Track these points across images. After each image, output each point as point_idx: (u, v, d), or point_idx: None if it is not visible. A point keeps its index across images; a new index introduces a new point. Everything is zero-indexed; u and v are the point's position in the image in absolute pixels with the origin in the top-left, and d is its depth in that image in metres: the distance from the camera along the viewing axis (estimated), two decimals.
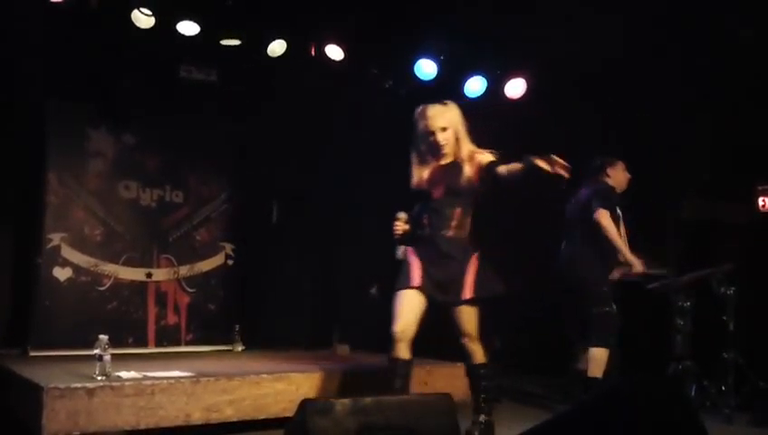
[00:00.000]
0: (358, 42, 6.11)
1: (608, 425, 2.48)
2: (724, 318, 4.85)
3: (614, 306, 4.85)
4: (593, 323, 4.82)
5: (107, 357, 3.99)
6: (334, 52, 6.07)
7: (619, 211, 4.98)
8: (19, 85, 5.61)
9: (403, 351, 3.77)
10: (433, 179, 4.04)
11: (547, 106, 6.18)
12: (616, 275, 5.12)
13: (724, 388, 4.83)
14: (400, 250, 4.12)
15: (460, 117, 4.04)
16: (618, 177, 5.11)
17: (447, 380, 4.84)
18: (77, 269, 5.78)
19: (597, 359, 4.74)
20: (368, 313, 6.76)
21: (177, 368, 4.44)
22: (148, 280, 6.12)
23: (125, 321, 5.94)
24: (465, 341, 3.95)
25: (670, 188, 5.58)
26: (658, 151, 5.67)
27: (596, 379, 4.69)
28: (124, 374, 4.09)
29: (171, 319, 6.21)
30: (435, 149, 4.01)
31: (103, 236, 5.92)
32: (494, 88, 6.38)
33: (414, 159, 4.13)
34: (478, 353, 3.96)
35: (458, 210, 3.97)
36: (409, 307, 3.86)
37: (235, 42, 5.87)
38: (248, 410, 4.16)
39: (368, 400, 2.29)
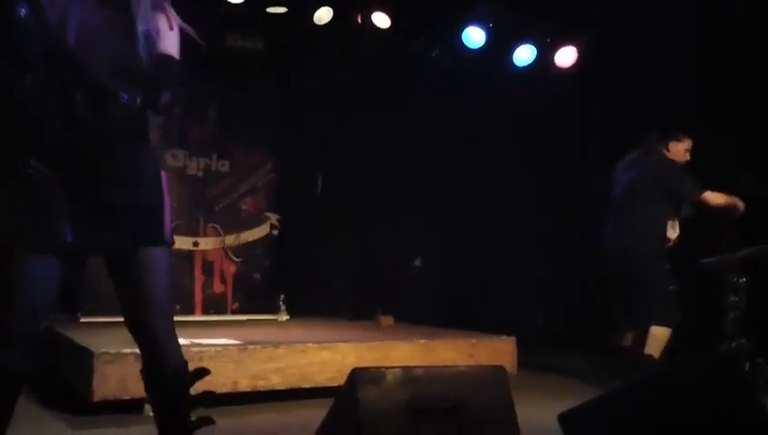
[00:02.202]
0: (404, 9, 6.01)
1: (666, 404, 2.41)
2: None
3: (677, 285, 4.73)
4: (658, 301, 4.69)
5: None
6: (381, 19, 5.98)
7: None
8: None
9: None
10: None
11: (599, 75, 6.03)
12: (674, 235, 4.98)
13: None
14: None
15: None
16: (677, 153, 4.94)
17: (493, 352, 4.79)
18: None
19: (658, 338, 4.62)
20: (411, 284, 6.76)
21: (224, 336, 4.48)
22: (195, 249, 6.17)
23: (172, 289, 6.00)
24: None
25: (725, 163, 5.40)
26: (714, 125, 5.49)
27: (652, 357, 4.58)
28: None
29: (218, 288, 6.27)
30: None
31: None
32: (544, 57, 6.24)
33: None
34: None
35: None
36: None
37: (282, 9, 5.83)
38: (294, 379, 4.17)
39: (419, 370, 2.25)
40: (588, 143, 6.34)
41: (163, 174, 2.32)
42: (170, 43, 2.24)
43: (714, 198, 4.73)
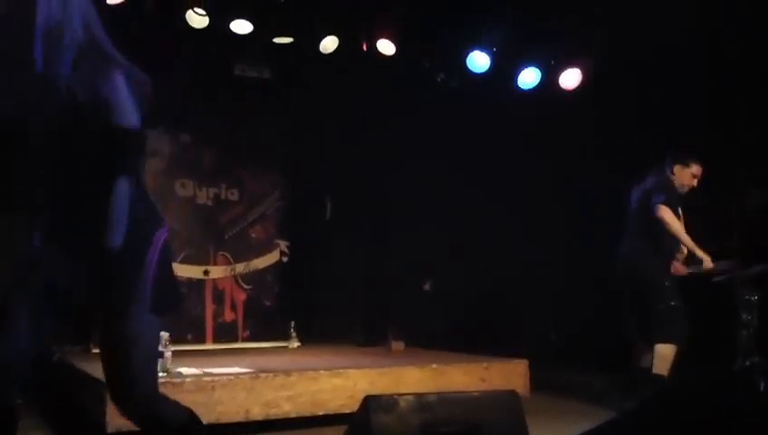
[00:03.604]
0: (409, 36, 6.07)
1: (680, 424, 2.40)
2: None
3: (680, 301, 4.71)
4: (659, 318, 4.68)
5: (168, 353, 4.04)
6: (386, 46, 6.04)
7: (679, 211, 4.83)
8: None
9: None
10: None
11: (603, 97, 6.05)
12: (682, 271, 4.97)
13: None
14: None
15: None
16: (683, 177, 4.94)
17: (505, 376, 4.77)
18: None
19: (664, 355, 4.59)
20: (422, 308, 6.75)
21: (236, 364, 4.48)
22: (206, 277, 6.19)
23: (184, 318, 6.03)
24: None
25: (734, 177, 5.40)
26: (721, 139, 5.49)
27: (661, 376, 4.55)
28: (184, 370, 4.14)
29: (228, 316, 6.28)
30: None
31: None
32: (549, 79, 6.27)
33: None
34: None
35: None
36: None
37: (288, 39, 5.90)
38: (306, 406, 4.17)
39: (432, 396, 2.25)
40: (595, 163, 6.35)
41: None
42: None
43: (666, 215, 4.67)
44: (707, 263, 4.74)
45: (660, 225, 4.70)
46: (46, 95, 1.95)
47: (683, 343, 4.64)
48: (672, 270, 4.95)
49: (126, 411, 2.18)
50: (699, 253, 4.72)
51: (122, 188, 1.98)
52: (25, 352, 2.03)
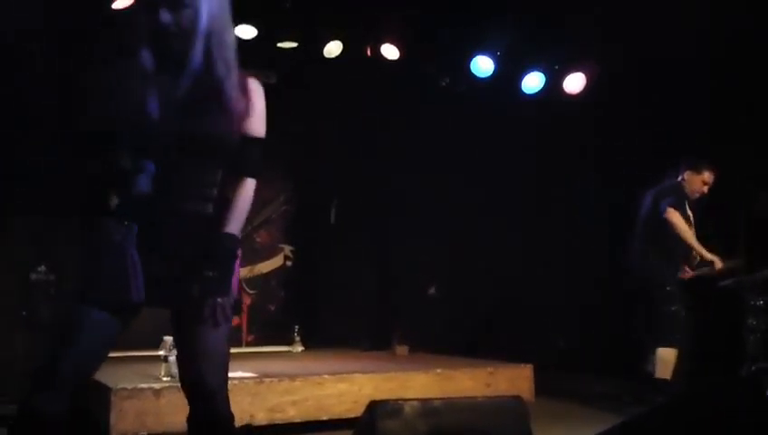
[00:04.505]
0: (413, 40, 6.08)
1: (687, 429, 2.38)
2: None
3: (681, 305, 4.70)
4: (661, 322, 4.68)
5: (172, 358, 4.03)
6: (390, 51, 6.05)
7: (689, 212, 4.83)
8: None
9: None
10: None
11: (608, 101, 6.05)
12: (689, 273, 4.97)
13: None
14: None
15: None
16: (694, 183, 4.94)
17: (511, 381, 4.76)
18: None
19: (664, 359, 4.60)
20: (427, 312, 6.74)
21: (240, 369, 4.47)
22: None
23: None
24: None
25: (742, 183, 5.38)
26: (727, 143, 5.48)
27: (665, 380, 4.55)
28: None
29: (233, 320, 6.28)
30: None
31: None
32: (553, 84, 6.27)
33: None
34: None
35: None
36: None
37: (293, 44, 5.90)
38: (311, 411, 4.16)
39: (437, 402, 2.24)
40: (599, 168, 6.35)
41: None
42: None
43: (675, 218, 4.68)
44: (717, 263, 4.75)
45: (668, 228, 4.70)
46: (207, 100, 2.05)
47: (684, 347, 4.64)
48: (681, 274, 4.96)
49: (207, 414, 2.17)
50: (707, 255, 4.73)
51: (249, 188, 2.16)
52: (88, 373, 2.10)
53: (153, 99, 1.99)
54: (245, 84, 2.14)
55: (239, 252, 2.16)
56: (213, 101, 2.06)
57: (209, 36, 2.05)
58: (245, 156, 2.15)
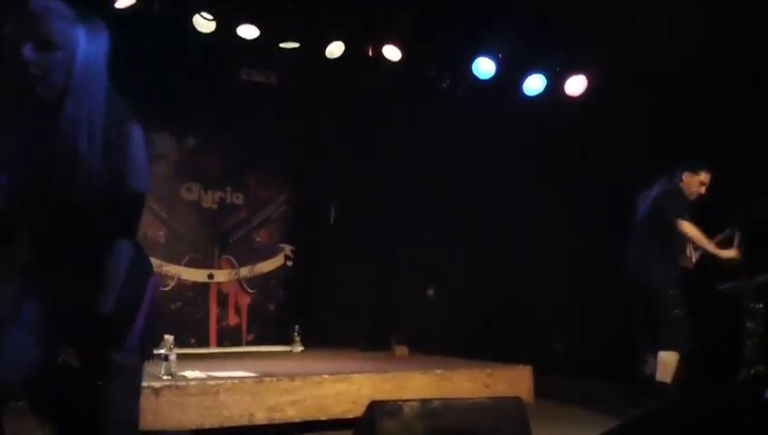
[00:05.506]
0: (415, 42, 6.09)
1: (684, 433, 2.39)
2: None
3: (684, 309, 4.72)
4: (663, 326, 4.69)
5: (172, 357, 4.05)
6: (391, 52, 6.06)
7: (687, 216, 4.85)
8: None
9: None
10: None
11: (609, 104, 6.06)
12: (690, 264, 5.02)
13: None
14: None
15: None
16: (692, 184, 4.95)
17: (509, 382, 4.77)
18: None
19: (666, 363, 4.60)
20: (426, 313, 6.75)
21: (240, 368, 4.49)
22: (210, 281, 6.20)
23: (188, 321, 6.04)
24: None
25: (739, 187, 5.40)
26: (726, 147, 5.49)
27: (665, 384, 4.55)
28: (189, 374, 4.15)
29: (232, 319, 6.29)
30: None
31: (166, 237, 6.03)
32: (554, 86, 6.28)
33: None
34: None
35: None
36: None
37: (294, 44, 5.92)
38: (310, 411, 4.17)
39: (436, 402, 2.26)
40: (599, 169, 6.36)
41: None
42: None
43: (689, 229, 4.74)
44: (733, 253, 4.80)
45: (674, 233, 4.74)
46: (69, 164, 1.82)
47: (686, 351, 4.65)
48: (683, 262, 4.99)
49: None
50: (725, 253, 4.79)
51: (124, 252, 1.90)
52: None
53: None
54: (123, 134, 1.90)
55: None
56: (71, 155, 1.81)
57: (80, 88, 1.84)
58: (119, 215, 1.89)
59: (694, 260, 5.05)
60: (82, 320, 1.86)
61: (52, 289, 1.88)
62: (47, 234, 1.86)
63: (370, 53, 6.11)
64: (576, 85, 6.19)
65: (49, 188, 1.81)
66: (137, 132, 1.94)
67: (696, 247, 4.98)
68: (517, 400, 2.35)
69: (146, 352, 2.04)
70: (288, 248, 6.59)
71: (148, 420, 3.69)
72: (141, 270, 1.99)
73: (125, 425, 1.99)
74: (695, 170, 4.91)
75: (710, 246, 4.84)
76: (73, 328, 1.86)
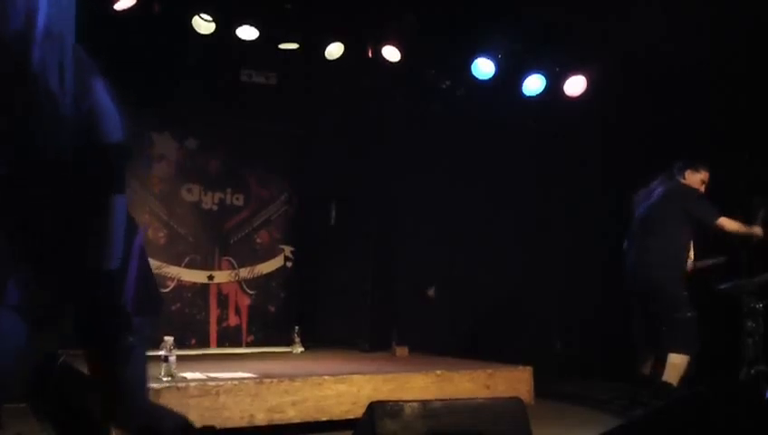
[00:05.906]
0: (414, 42, 6.09)
1: (686, 432, 2.39)
2: None
3: (695, 310, 4.71)
4: (675, 328, 4.67)
5: (172, 358, 4.05)
6: (391, 53, 6.06)
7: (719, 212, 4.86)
8: None
9: None
10: None
11: (609, 103, 6.06)
12: (700, 265, 5.02)
13: None
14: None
15: None
16: (693, 182, 4.96)
17: (510, 383, 4.77)
18: None
19: (677, 365, 4.58)
20: (426, 313, 6.75)
21: (240, 369, 4.48)
22: (210, 282, 6.20)
23: (188, 322, 6.04)
24: None
25: (740, 188, 5.40)
26: (729, 150, 5.49)
27: (670, 384, 4.54)
28: (189, 375, 4.15)
29: (232, 320, 6.29)
30: None
31: (167, 238, 6.03)
32: (554, 86, 6.28)
33: None
34: None
35: None
36: None
37: (294, 45, 5.92)
38: (311, 412, 4.17)
39: (437, 403, 2.25)
40: (599, 170, 6.36)
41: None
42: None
43: (730, 224, 4.74)
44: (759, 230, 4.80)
45: (675, 232, 4.73)
46: (41, 112, 1.76)
47: (696, 353, 4.64)
48: (688, 270, 4.97)
49: (123, 425, 2.11)
50: (755, 229, 4.79)
51: (120, 207, 1.86)
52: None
53: None
54: (89, 87, 1.86)
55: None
56: (47, 110, 1.75)
57: (46, 41, 1.76)
58: (102, 168, 1.84)
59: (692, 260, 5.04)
60: (86, 280, 1.84)
61: (45, 255, 1.83)
62: (32, 196, 1.79)
63: (370, 54, 6.11)
64: (575, 85, 6.19)
65: (29, 141, 1.75)
66: (100, 84, 1.89)
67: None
68: (517, 400, 2.35)
69: (144, 308, 2.04)
70: (288, 249, 6.59)
71: None
72: (129, 227, 1.97)
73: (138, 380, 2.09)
74: (696, 168, 4.93)
75: (744, 228, 4.80)
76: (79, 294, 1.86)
